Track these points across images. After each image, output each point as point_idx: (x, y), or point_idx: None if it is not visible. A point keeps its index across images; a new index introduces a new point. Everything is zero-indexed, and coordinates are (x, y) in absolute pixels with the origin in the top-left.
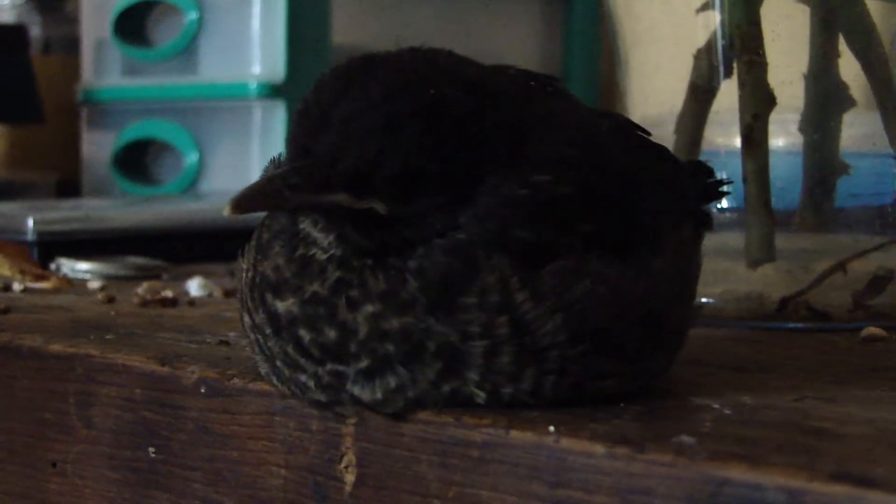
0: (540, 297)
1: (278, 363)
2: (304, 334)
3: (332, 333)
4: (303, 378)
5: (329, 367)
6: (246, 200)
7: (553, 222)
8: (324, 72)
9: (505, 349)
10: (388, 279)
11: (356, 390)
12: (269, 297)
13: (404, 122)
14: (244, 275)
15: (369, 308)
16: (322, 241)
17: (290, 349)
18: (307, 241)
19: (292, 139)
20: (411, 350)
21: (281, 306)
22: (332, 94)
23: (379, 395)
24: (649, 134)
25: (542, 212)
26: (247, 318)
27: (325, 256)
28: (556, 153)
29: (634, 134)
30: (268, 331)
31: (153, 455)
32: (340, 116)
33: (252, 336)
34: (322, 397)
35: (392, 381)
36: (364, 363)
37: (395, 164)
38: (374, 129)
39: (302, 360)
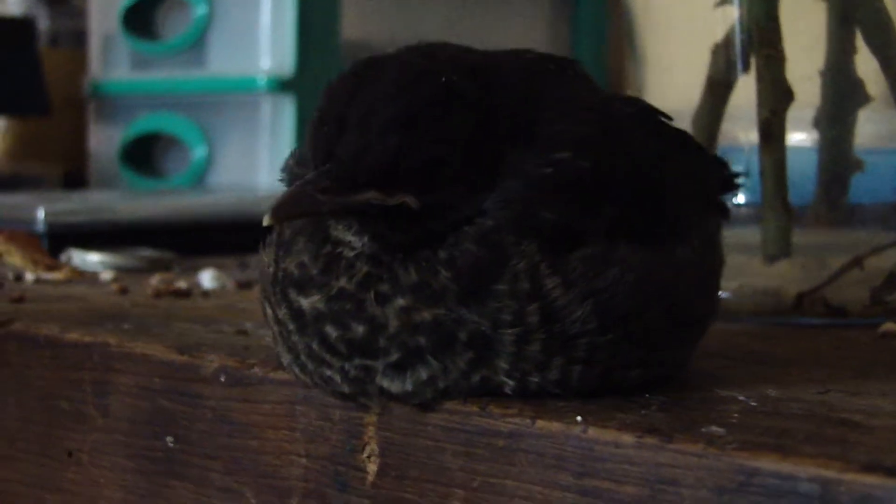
0: (569, 284)
1: (302, 357)
2: (331, 331)
3: (360, 329)
4: (328, 373)
5: (357, 361)
6: (282, 209)
7: (578, 200)
8: (331, 78)
9: (535, 337)
10: (420, 271)
11: (385, 383)
12: (292, 293)
13: (420, 112)
14: (266, 269)
15: (400, 301)
16: (355, 242)
17: (314, 345)
18: (333, 239)
19: (314, 148)
20: (443, 341)
21: (305, 303)
22: (345, 97)
23: (409, 387)
24: (672, 120)
25: (566, 190)
26: (269, 311)
27: (353, 254)
28: (573, 132)
29: (657, 120)
30: (291, 326)
31: (171, 444)
32: (357, 116)
33: (275, 328)
34: (347, 390)
35: (423, 373)
36: (394, 357)
37: (418, 155)
38: (393, 123)
39: (328, 356)
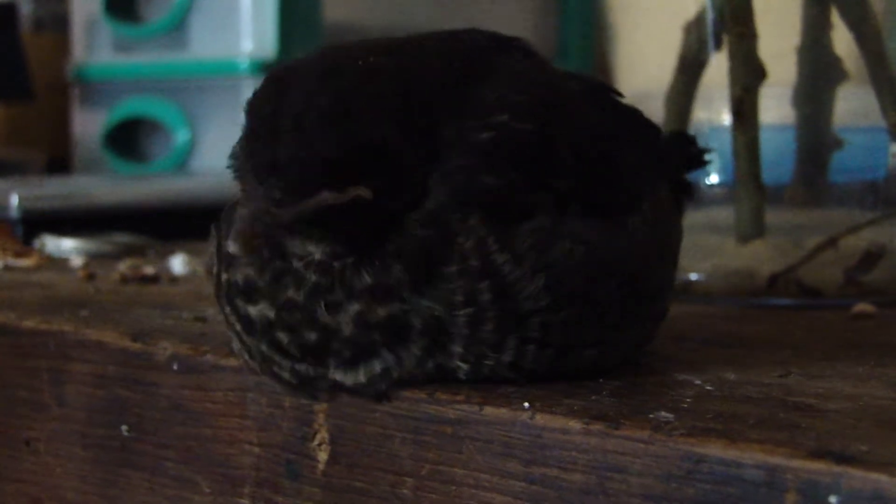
0: (519, 258)
1: (252, 352)
2: (282, 337)
3: (312, 336)
4: (277, 370)
5: (309, 361)
6: (244, 234)
7: (521, 165)
8: (251, 98)
9: (488, 316)
10: (373, 273)
11: (338, 376)
12: (239, 301)
13: (349, 99)
14: (211, 272)
15: (354, 307)
16: (314, 251)
17: (264, 347)
18: (281, 252)
19: (254, 165)
20: (397, 333)
21: (253, 311)
22: (270, 106)
23: (362, 379)
24: (622, 96)
25: (507, 154)
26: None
27: (301, 264)
28: (510, 98)
29: (607, 96)
30: (238, 327)
31: (126, 433)
32: (289, 120)
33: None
34: (297, 383)
35: (377, 366)
36: (347, 354)
37: (360, 141)
38: (326, 116)
39: (278, 357)
